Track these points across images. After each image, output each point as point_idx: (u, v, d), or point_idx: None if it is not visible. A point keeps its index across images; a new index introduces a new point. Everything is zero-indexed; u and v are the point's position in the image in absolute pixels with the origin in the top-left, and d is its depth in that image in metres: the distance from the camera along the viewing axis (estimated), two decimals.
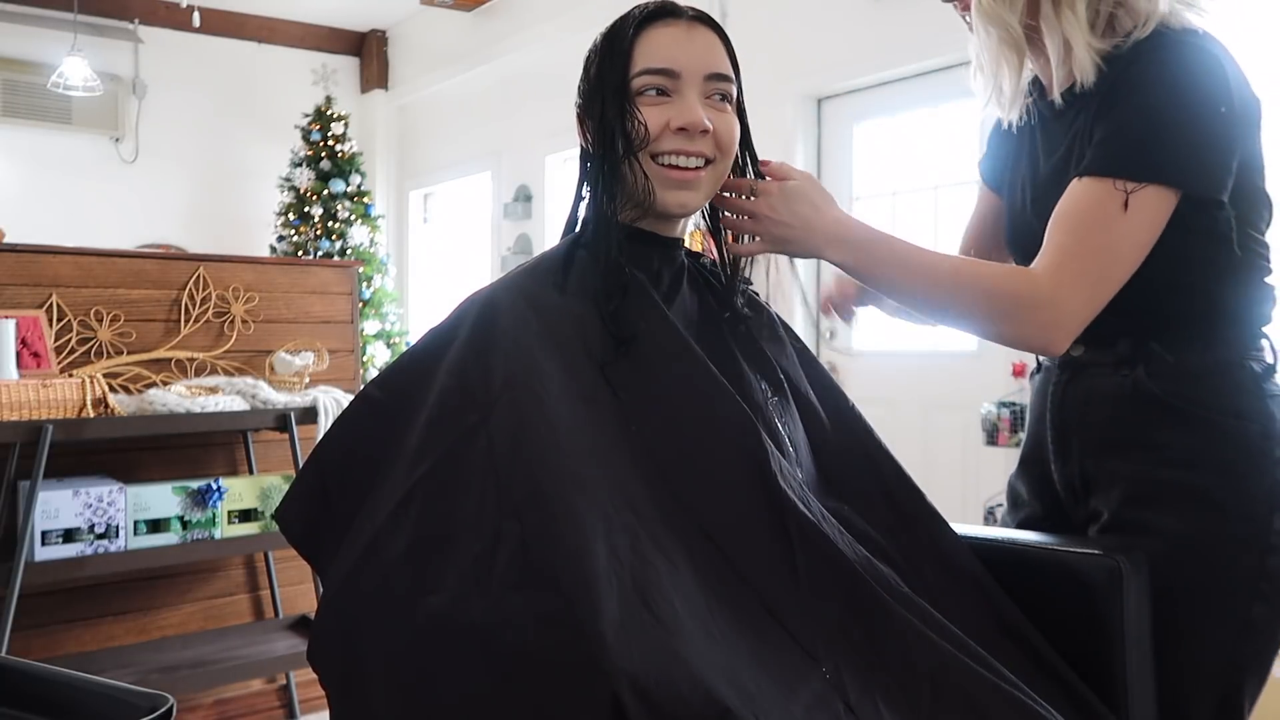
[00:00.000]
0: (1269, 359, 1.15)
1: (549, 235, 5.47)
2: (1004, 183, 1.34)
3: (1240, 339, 1.15)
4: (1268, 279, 1.17)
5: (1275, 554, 1.11)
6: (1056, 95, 1.18)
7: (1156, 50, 1.08)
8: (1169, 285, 1.12)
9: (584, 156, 1.17)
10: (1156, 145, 1.06)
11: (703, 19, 1.14)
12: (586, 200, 1.15)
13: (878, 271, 1.16)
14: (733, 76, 1.14)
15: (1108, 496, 1.20)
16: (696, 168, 1.11)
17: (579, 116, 1.17)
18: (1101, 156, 1.08)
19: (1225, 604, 1.13)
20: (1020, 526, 1.34)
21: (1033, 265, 1.10)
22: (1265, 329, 1.16)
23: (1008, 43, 1.17)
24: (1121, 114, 1.08)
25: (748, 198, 1.18)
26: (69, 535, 2.24)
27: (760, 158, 1.22)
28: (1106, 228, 1.06)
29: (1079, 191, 1.08)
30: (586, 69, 1.16)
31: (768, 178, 1.19)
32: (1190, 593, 1.14)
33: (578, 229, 1.16)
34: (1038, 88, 1.25)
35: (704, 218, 1.24)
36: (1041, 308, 1.07)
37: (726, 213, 1.21)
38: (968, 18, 1.25)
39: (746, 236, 1.20)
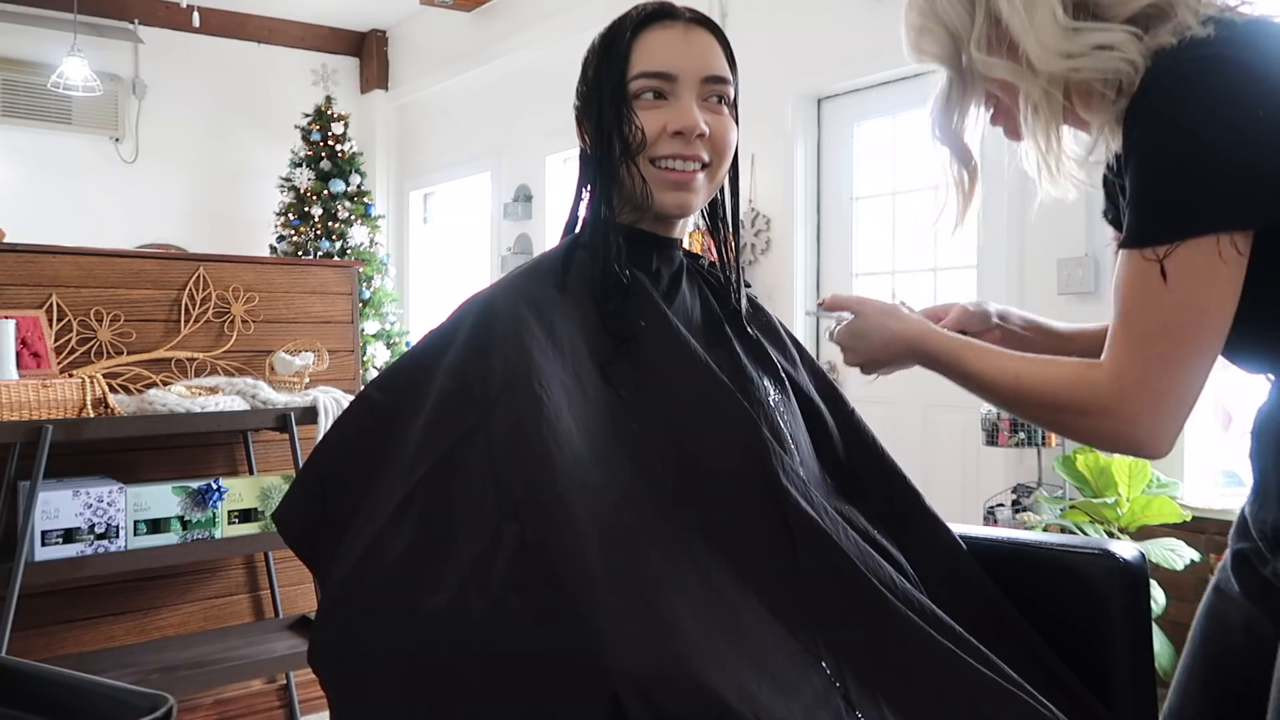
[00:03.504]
0: None
1: (549, 235, 5.47)
2: None
3: None
4: None
5: None
6: None
7: (1154, 88, 0.94)
8: None
9: (583, 158, 1.17)
10: (1172, 197, 0.92)
11: (700, 20, 1.14)
12: (586, 201, 1.15)
13: (956, 381, 1.11)
14: (730, 78, 1.14)
15: None
16: (694, 170, 1.11)
17: (577, 119, 1.17)
18: (1129, 225, 0.96)
19: None
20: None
21: (1101, 360, 0.98)
22: None
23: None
24: (1133, 172, 0.96)
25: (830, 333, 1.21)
26: (69, 535, 2.24)
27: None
28: (1154, 305, 0.93)
29: (1121, 267, 0.96)
30: (584, 71, 1.16)
31: (822, 307, 1.23)
32: None
33: (577, 229, 1.16)
34: None
35: (703, 217, 1.24)
36: (1108, 415, 0.95)
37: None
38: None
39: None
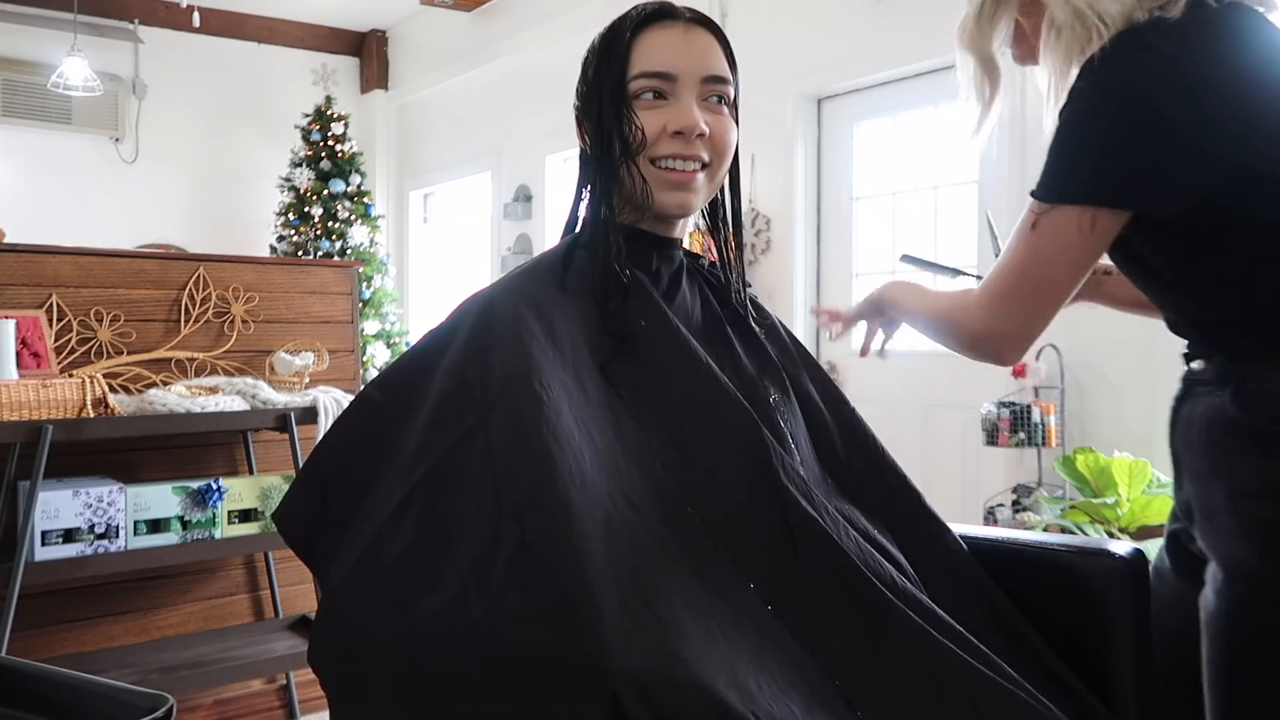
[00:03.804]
0: None
1: (549, 235, 5.48)
2: None
3: None
4: None
5: None
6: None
7: (1096, 65, 1.03)
8: (1267, 303, 1.03)
9: (583, 158, 1.17)
10: (1064, 166, 1.05)
11: (700, 20, 1.14)
12: (586, 201, 1.15)
13: (904, 301, 1.29)
14: (730, 78, 1.14)
15: (1199, 528, 1.09)
16: (694, 170, 1.11)
17: (577, 119, 1.17)
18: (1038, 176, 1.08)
19: None
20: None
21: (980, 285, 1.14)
22: None
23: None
24: (1055, 133, 1.07)
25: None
26: (69, 535, 2.24)
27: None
28: (1024, 247, 1.08)
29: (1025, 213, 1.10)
30: (584, 71, 1.16)
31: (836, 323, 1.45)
32: (1256, 632, 1.02)
33: (577, 229, 1.16)
34: None
35: (704, 217, 1.24)
36: (980, 338, 1.14)
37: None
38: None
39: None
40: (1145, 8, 1.03)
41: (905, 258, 1.62)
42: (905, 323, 1.33)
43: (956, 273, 1.55)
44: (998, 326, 1.11)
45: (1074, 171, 1.04)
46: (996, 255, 1.23)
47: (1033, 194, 1.08)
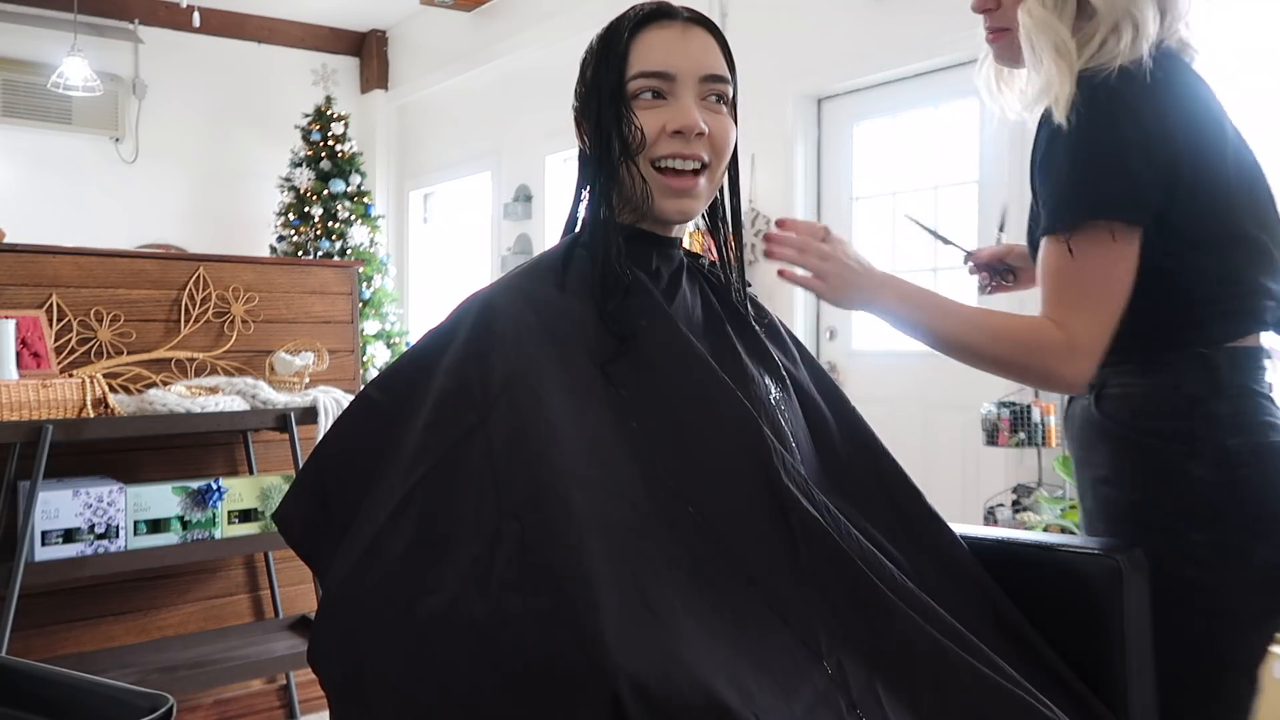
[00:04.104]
0: (1210, 382, 1.16)
1: (549, 235, 5.47)
2: None
3: (1180, 362, 1.17)
4: (1228, 300, 1.17)
5: (1193, 565, 1.14)
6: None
7: (1078, 99, 1.14)
8: (1123, 318, 1.17)
9: (582, 158, 1.17)
10: (1076, 190, 1.14)
11: (698, 20, 1.14)
12: (585, 201, 1.15)
13: (922, 318, 1.23)
14: (729, 77, 1.14)
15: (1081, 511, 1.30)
16: (694, 171, 1.11)
17: (576, 119, 1.17)
18: (1046, 215, 1.17)
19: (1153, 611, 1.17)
20: None
21: (1043, 314, 1.18)
22: (1217, 347, 1.17)
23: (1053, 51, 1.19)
24: (1053, 164, 1.16)
25: (822, 240, 1.28)
26: (69, 535, 2.24)
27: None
28: (1077, 277, 1.15)
29: (1045, 251, 1.18)
30: (583, 71, 1.16)
31: (782, 228, 1.29)
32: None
33: (577, 229, 1.16)
34: None
35: (703, 218, 1.24)
36: (1065, 352, 1.16)
37: (785, 248, 1.25)
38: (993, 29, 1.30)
39: (802, 272, 1.29)
40: (1110, 53, 1.15)
41: (908, 217, 1.69)
42: (927, 330, 1.25)
43: (948, 242, 1.59)
44: (1084, 368, 1.16)
45: (1087, 190, 1.14)
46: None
47: (1051, 227, 1.15)
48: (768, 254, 1.28)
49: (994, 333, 1.20)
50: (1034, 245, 1.24)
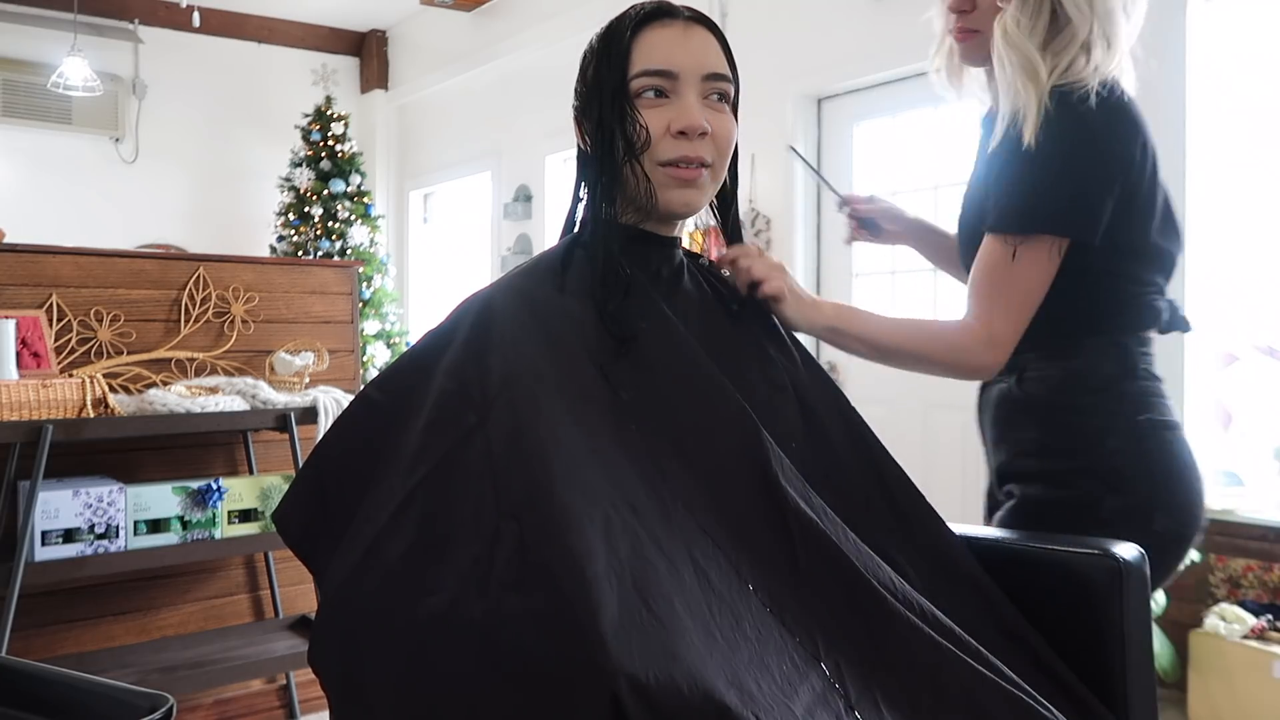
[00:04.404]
0: (1124, 365, 1.32)
1: (549, 235, 5.47)
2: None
3: (1099, 348, 1.32)
4: (1140, 299, 1.33)
5: (1100, 527, 1.26)
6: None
7: (1049, 115, 1.24)
8: (1045, 310, 1.29)
9: (581, 158, 1.17)
10: (1035, 202, 1.25)
11: (699, 19, 1.14)
12: (585, 201, 1.15)
13: (857, 326, 1.32)
14: (730, 76, 1.14)
15: (995, 480, 1.43)
16: (698, 169, 1.11)
17: (576, 119, 1.17)
18: (998, 214, 1.28)
19: None
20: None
21: (968, 303, 1.32)
22: (1130, 336, 1.33)
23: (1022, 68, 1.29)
24: (1014, 172, 1.27)
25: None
26: (69, 535, 2.24)
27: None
28: (1011, 279, 1.27)
29: (988, 246, 1.29)
30: (583, 71, 1.16)
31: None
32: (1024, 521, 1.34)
33: (574, 230, 1.16)
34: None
35: (713, 214, 1.24)
36: (985, 345, 1.29)
37: (744, 263, 1.25)
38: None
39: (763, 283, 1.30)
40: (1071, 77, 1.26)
41: (792, 149, 1.79)
42: (859, 336, 1.33)
43: (827, 184, 1.67)
44: (999, 360, 1.30)
45: (1045, 205, 1.25)
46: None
47: (1003, 228, 1.27)
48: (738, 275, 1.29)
49: (927, 336, 1.33)
50: (966, 229, 1.37)
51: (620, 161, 1.10)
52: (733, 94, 1.15)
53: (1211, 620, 2.67)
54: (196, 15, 5.62)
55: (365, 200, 6.01)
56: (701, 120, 1.09)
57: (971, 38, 1.36)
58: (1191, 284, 3.00)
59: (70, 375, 2.37)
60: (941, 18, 1.44)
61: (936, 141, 3.76)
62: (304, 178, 5.90)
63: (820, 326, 1.30)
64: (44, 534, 2.21)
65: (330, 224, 5.85)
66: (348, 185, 5.94)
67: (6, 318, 2.28)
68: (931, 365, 1.33)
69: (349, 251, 5.84)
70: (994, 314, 1.28)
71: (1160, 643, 2.67)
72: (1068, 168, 1.24)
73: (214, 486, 2.43)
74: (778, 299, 1.24)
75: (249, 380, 2.56)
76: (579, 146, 1.17)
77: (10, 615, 2.11)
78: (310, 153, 5.95)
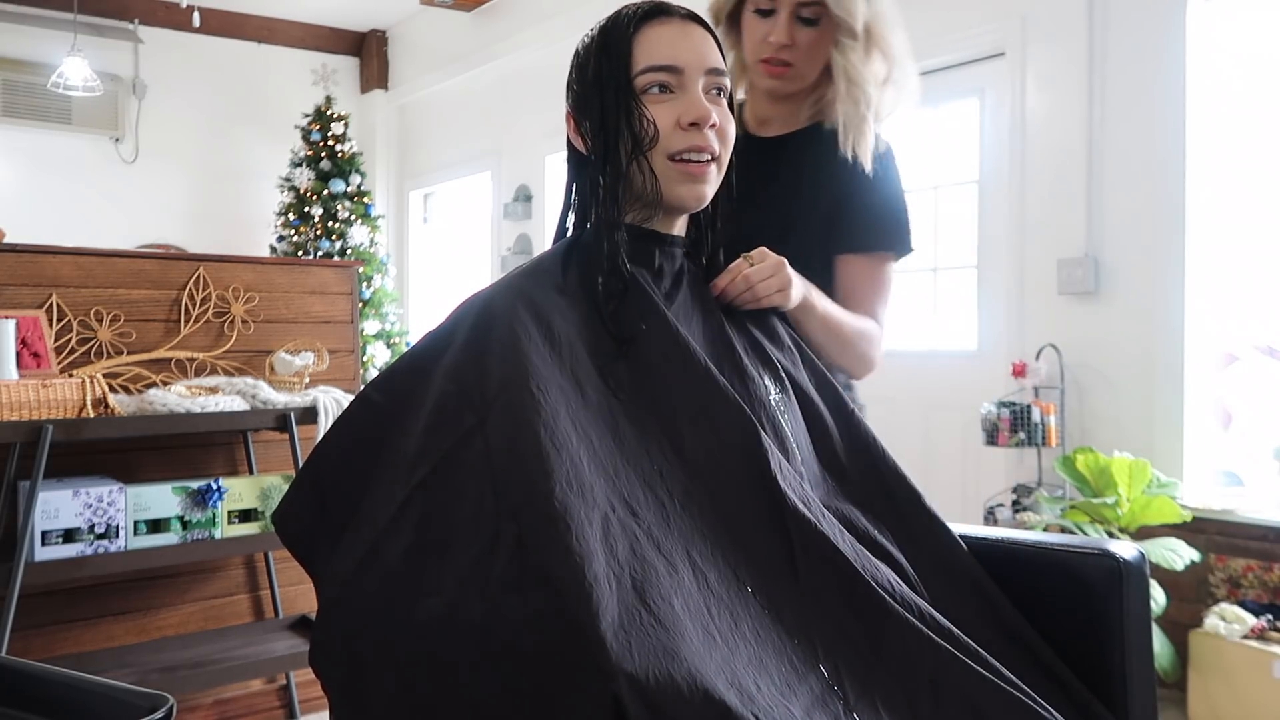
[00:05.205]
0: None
1: (549, 235, 5.45)
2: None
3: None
4: None
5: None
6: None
7: (883, 157, 1.48)
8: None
9: (574, 158, 1.17)
10: (902, 227, 1.52)
11: (693, 17, 1.15)
12: (577, 203, 1.16)
13: (840, 316, 1.40)
14: (727, 71, 1.15)
15: None
16: (707, 161, 1.12)
17: (571, 118, 1.17)
18: (881, 237, 1.50)
19: None
20: None
21: (869, 314, 1.49)
22: None
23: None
24: (881, 201, 1.49)
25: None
26: (69, 535, 2.24)
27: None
28: (888, 289, 1.52)
29: (877, 263, 1.51)
30: (581, 69, 1.16)
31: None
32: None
33: (569, 232, 1.16)
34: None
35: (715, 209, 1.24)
36: (880, 344, 1.50)
37: (746, 297, 1.23)
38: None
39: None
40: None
41: None
42: (800, 314, 1.31)
43: None
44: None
45: (905, 228, 1.52)
46: None
47: (888, 249, 1.51)
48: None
49: (869, 332, 1.46)
50: (836, 244, 1.50)
51: (627, 158, 1.10)
52: (730, 89, 1.16)
53: (1211, 620, 2.68)
54: (196, 15, 5.62)
55: (365, 200, 6.01)
56: (710, 111, 1.10)
57: (785, 71, 1.48)
58: (1191, 284, 3.00)
59: (70, 375, 2.37)
60: (751, 39, 1.50)
61: (936, 141, 3.76)
62: (304, 178, 5.90)
63: (807, 301, 1.33)
64: (44, 534, 2.21)
65: (330, 224, 5.85)
66: (348, 185, 5.94)
67: (6, 318, 2.28)
68: (858, 358, 1.45)
69: (349, 251, 5.84)
70: (883, 318, 1.51)
71: (1160, 643, 2.67)
72: (901, 197, 1.51)
73: (214, 486, 2.43)
74: (784, 305, 1.26)
75: (249, 380, 2.56)
76: (571, 147, 1.17)
77: (10, 615, 2.11)
78: (310, 153, 5.95)
